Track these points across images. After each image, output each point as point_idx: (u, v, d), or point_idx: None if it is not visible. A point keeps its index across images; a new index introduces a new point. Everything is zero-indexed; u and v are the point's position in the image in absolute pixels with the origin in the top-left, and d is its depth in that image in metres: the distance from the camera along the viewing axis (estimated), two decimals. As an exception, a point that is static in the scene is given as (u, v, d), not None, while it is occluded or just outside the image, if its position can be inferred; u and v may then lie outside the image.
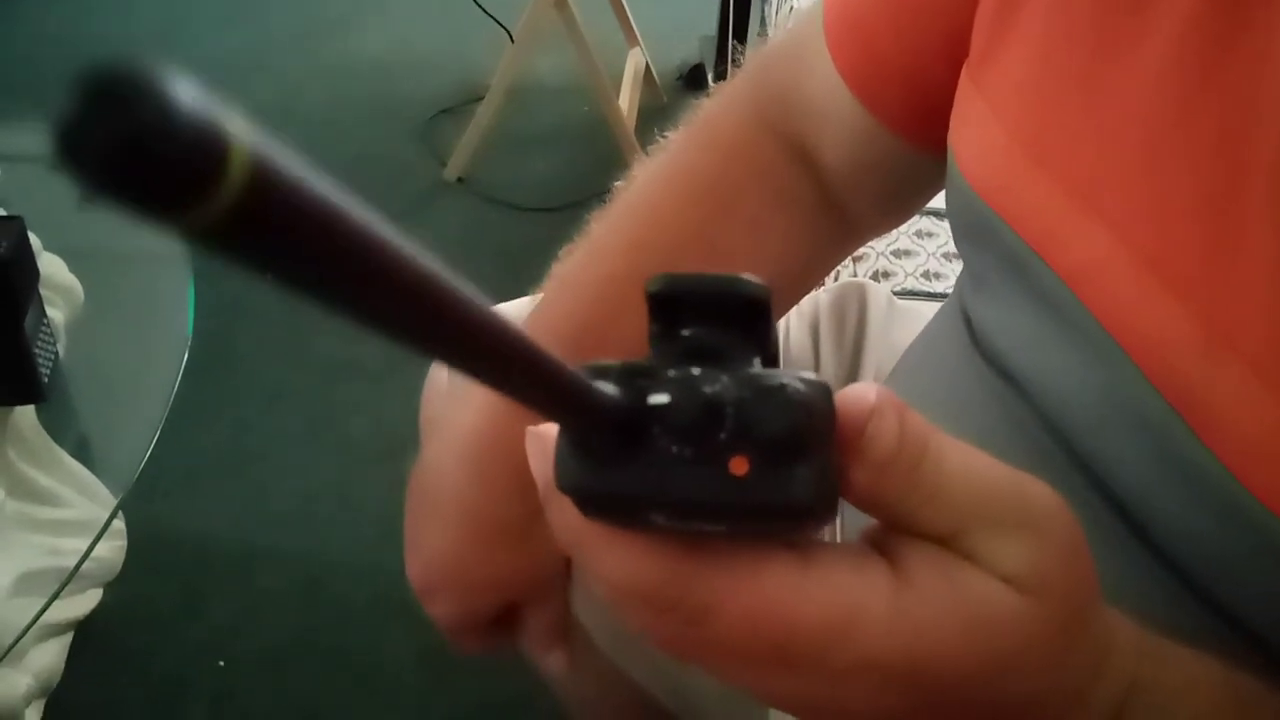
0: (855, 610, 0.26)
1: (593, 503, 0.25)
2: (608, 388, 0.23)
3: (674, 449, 0.24)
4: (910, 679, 0.27)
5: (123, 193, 0.10)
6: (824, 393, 0.24)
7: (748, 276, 0.26)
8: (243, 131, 0.11)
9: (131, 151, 0.10)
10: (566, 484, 0.25)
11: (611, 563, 0.26)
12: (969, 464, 0.27)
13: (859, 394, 0.25)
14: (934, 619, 0.26)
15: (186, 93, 0.10)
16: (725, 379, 0.24)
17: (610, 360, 0.24)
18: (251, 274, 0.12)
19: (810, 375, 0.24)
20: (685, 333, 0.26)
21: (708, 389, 0.23)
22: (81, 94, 0.10)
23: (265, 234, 0.12)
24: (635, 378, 0.24)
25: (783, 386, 0.23)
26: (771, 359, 0.26)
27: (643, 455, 0.24)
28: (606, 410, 0.23)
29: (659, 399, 0.24)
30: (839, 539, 0.63)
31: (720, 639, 0.26)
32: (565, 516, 0.26)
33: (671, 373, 0.24)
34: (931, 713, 0.28)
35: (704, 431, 0.23)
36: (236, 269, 0.12)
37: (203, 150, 0.10)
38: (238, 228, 0.11)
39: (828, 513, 0.26)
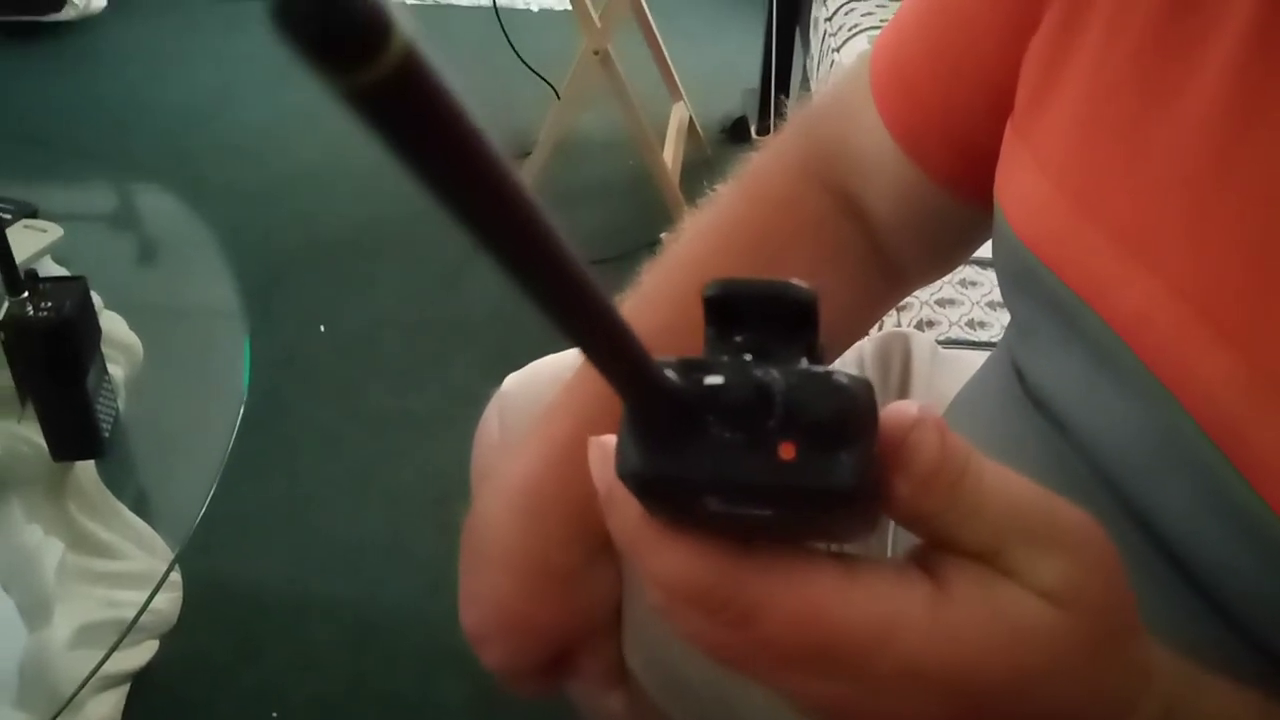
0: (896, 618, 0.27)
1: (651, 487, 0.26)
2: (669, 372, 0.25)
3: (727, 435, 0.25)
4: (948, 688, 0.28)
5: (310, 50, 0.13)
6: (866, 386, 0.26)
7: (797, 281, 0.27)
8: (405, 25, 0.14)
9: (320, 20, 0.13)
10: (627, 470, 0.26)
11: (666, 562, 0.27)
12: (1008, 483, 0.28)
13: (902, 407, 0.27)
14: (972, 630, 0.27)
15: None
16: (775, 371, 0.25)
17: (668, 357, 0.26)
18: (386, 146, 0.15)
19: (853, 373, 0.26)
20: (738, 337, 0.28)
21: (758, 374, 0.25)
22: None
23: (407, 106, 0.15)
24: (692, 370, 0.26)
25: (828, 375, 0.25)
26: (818, 361, 0.28)
27: (698, 441, 0.25)
28: (667, 390, 0.25)
29: (714, 380, 0.25)
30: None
31: (766, 641, 0.27)
32: (625, 516, 0.28)
33: (725, 359, 0.26)
34: None
35: (754, 417, 0.25)
36: (376, 138, 0.15)
37: (371, 27, 0.13)
38: (387, 93, 0.14)
39: (869, 506, 0.27)
